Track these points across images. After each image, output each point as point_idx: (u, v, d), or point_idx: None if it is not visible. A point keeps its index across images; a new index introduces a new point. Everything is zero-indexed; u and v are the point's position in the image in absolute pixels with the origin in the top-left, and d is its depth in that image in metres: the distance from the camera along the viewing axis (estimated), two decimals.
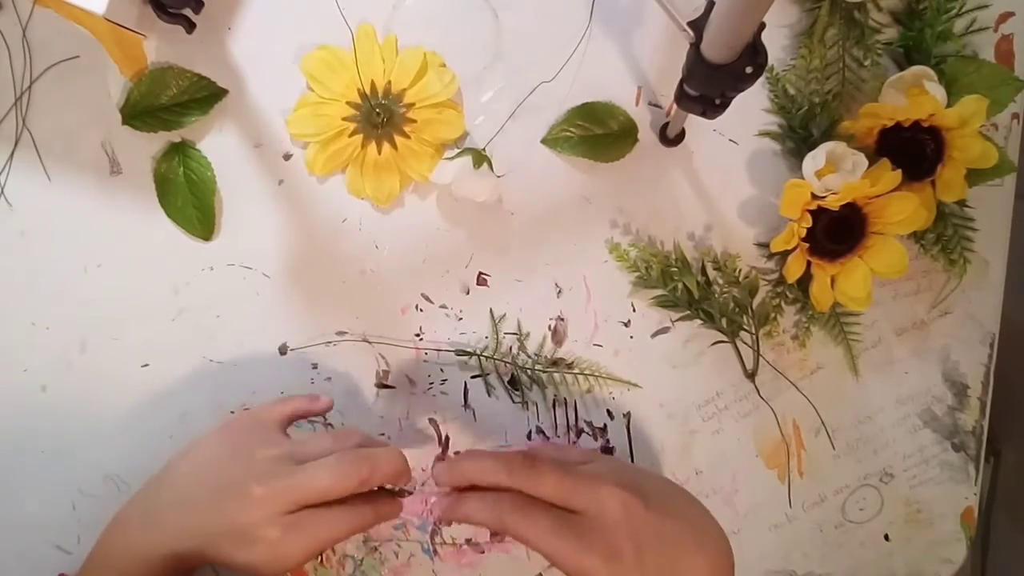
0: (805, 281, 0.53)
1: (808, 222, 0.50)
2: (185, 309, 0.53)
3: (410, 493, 0.53)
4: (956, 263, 0.55)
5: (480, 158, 0.50)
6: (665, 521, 0.42)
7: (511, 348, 0.54)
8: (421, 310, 0.54)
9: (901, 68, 0.53)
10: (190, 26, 0.50)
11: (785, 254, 0.53)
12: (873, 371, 0.57)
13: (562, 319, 0.54)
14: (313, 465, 0.42)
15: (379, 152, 0.51)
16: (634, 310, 0.55)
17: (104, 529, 0.45)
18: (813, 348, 0.56)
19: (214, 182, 0.51)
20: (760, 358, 0.55)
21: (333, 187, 0.52)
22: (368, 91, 0.50)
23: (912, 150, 0.50)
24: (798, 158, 0.52)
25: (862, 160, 0.49)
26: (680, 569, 0.41)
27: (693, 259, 0.54)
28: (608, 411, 0.55)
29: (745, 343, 0.55)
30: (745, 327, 0.55)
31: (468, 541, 0.55)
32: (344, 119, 0.50)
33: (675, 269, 0.54)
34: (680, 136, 0.53)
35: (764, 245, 0.55)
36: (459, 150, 0.51)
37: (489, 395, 0.54)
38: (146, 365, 0.53)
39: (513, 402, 0.54)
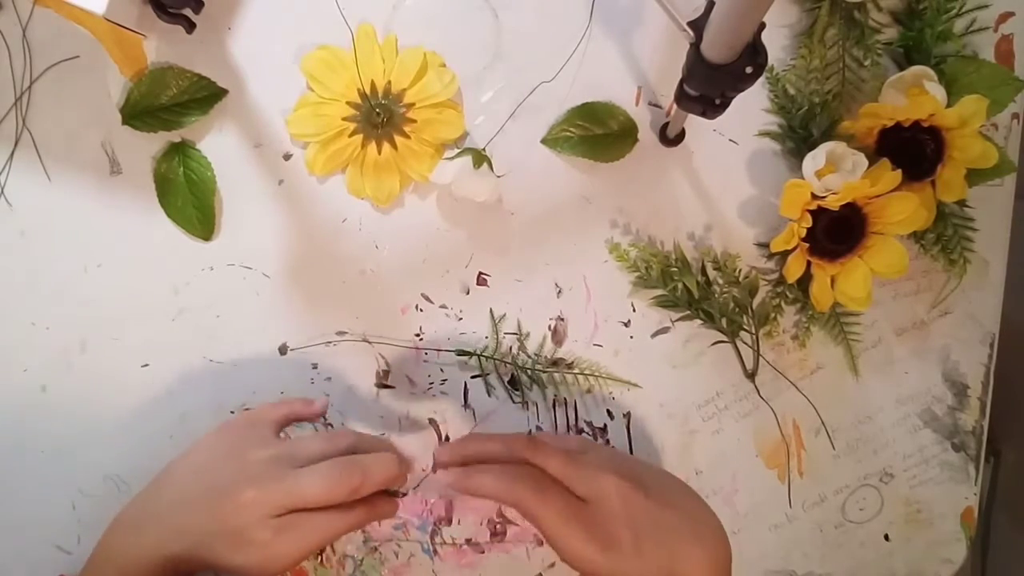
0: (805, 281, 0.53)
1: (808, 222, 0.50)
2: (185, 309, 0.53)
3: (404, 494, 0.53)
4: (956, 263, 0.55)
5: (480, 158, 0.50)
6: (664, 511, 0.42)
7: (511, 348, 0.54)
8: (421, 310, 0.54)
9: (901, 68, 0.53)
10: (190, 26, 0.50)
11: (785, 254, 0.53)
12: (873, 371, 0.57)
13: (562, 319, 0.54)
14: (305, 472, 0.42)
15: (379, 152, 0.51)
16: (634, 310, 0.55)
17: (105, 531, 0.45)
18: (813, 348, 0.56)
19: (214, 182, 0.51)
20: (760, 358, 0.55)
21: (333, 187, 0.52)
22: (368, 91, 0.50)
23: (912, 150, 0.50)
24: (798, 158, 0.52)
25: (862, 160, 0.49)
26: (678, 559, 0.41)
27: (693, 259, 0.54)
28: (608, 411, 0.55)
29: (745, 343, 0.55)
30: (745, 327, 0.55)
31: (468, 541, 0.55)
32: (344, 119, 0.50)
33: (675, 269, 0.54)
34: (680, 136, 0.53)
35: (764, 245, 0.55)
36: (459, 150, 0.51)
37: (489, 395, 0.54)
38: (146, 365, 0.53)
39: (513, 402, 0.54)
